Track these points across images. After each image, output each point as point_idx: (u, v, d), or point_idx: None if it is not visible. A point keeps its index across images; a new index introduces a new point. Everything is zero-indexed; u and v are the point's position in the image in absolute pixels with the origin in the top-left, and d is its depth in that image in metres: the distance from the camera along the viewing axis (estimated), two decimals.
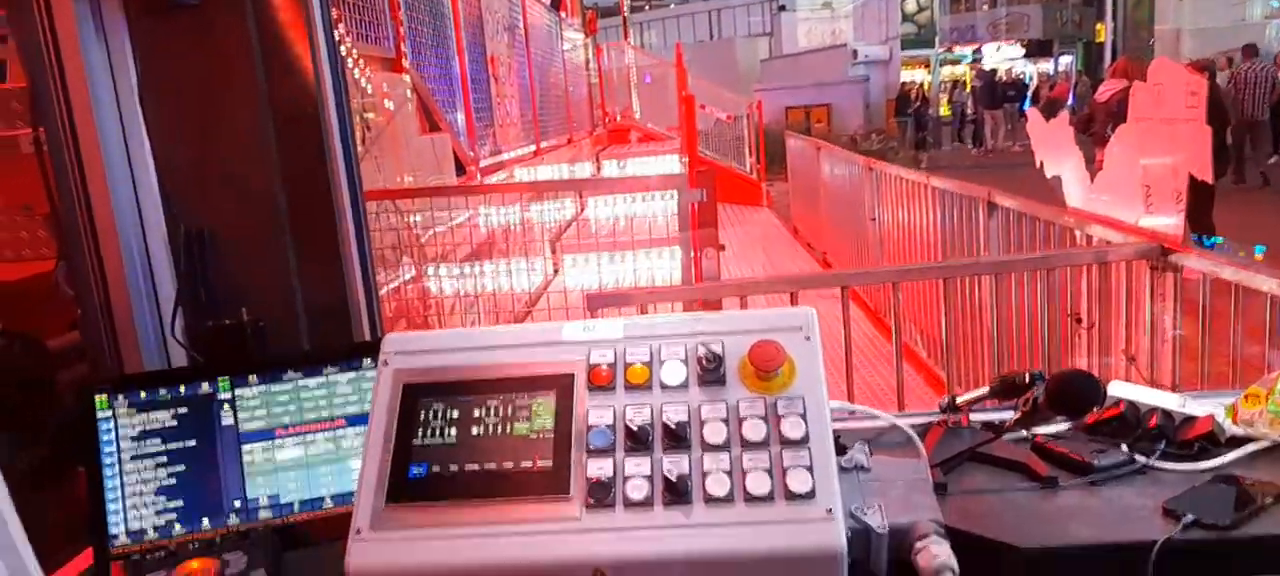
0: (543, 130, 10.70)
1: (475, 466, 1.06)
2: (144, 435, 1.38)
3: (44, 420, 2.21)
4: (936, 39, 28.81)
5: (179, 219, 1.56)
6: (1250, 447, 1.37)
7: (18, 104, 2.20)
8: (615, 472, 1.03)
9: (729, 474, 1.01)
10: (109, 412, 1.37)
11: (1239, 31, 17.97)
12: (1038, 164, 4.17)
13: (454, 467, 1.07)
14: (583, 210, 8.68)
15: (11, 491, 1.22)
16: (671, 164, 12.73)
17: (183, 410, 1.39)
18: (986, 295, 4.08)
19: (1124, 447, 1.39)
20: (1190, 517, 1.18)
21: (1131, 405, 1.46)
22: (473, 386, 1.12)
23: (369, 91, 5.10)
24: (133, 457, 1.37)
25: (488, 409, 1.10)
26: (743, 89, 18.45)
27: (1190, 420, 1.40)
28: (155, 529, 1.36)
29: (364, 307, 1.64)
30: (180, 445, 1.38)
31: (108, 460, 1.36)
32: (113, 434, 1.37)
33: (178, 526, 1.36)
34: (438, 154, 6.34)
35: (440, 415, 1.10)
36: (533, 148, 9.89)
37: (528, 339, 1.17)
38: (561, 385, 1.11)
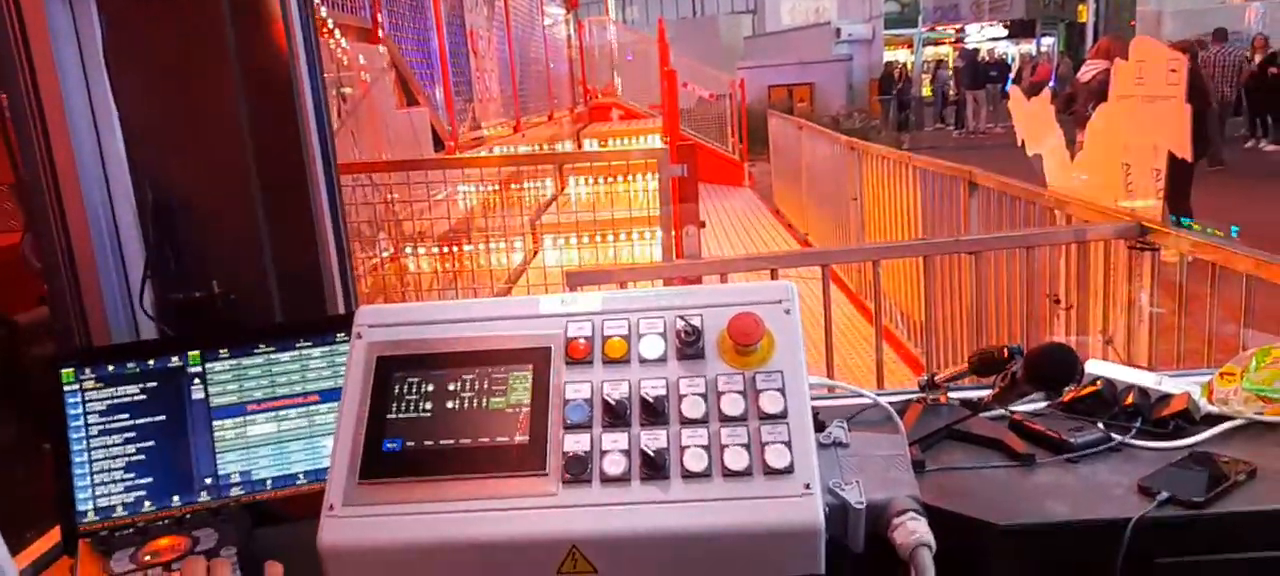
0: (523, 106, 10.62)
1: (450, 441, 1.05)
2: (112, 410, 1.35)
3: (13, 396, 2.17)
4: (920, 18, 28.81)
5: (147, 188, 1.53)
6: (1225, 425, 1.39)
7: None
8: (592, 448, 1.02)
9: (707, 449, 1.01)
10: (76, 387, 1.34)
11: (1219, 14, 18.08)
12: (1019, 143, 4.18)
13: (429, 442, 1.05)
14: (563, 188, 8.64)
15: None
16: (653, 142, 12.69)
17: (152, 384, 1.36)
18: (966, 275, 4.10)
19: (1100, 425, 1.40)
20: (1164, 495, 1.19)
21: (1108, 383, 1.47)
22: (448, 359, 1.10)
23: (345, 63, 5.03)
24: (101, 433, 1.34)
25: (463, 382, 1.09)
26: (726, 67, 18.36)
27: (1166, 398, 1.41)
28: (124, 505, 1.33)
29: (338, 280, 1.61)
30: (149, 420, 1.36)
31: (75, 436, 1.33)
32: (80, 409, 1.34)
33: (147, 503, 1.34)
34: (416, 128, 6.28)
35: (415, 389, 1.09)
36: (513, 123, 9.82)
37: (504, 312, 1.15)
38: (538, 359, 1.09)
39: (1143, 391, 1.44)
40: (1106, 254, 3.47)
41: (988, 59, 22.98)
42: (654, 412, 1.03)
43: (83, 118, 1.49)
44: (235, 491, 1.37)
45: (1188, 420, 1.39)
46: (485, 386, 1.08)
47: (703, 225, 3.96)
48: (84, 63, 1.49)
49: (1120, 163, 3.32)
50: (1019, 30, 28.67)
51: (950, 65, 25.02)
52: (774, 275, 3.50)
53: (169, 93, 1.52)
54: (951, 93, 23.04)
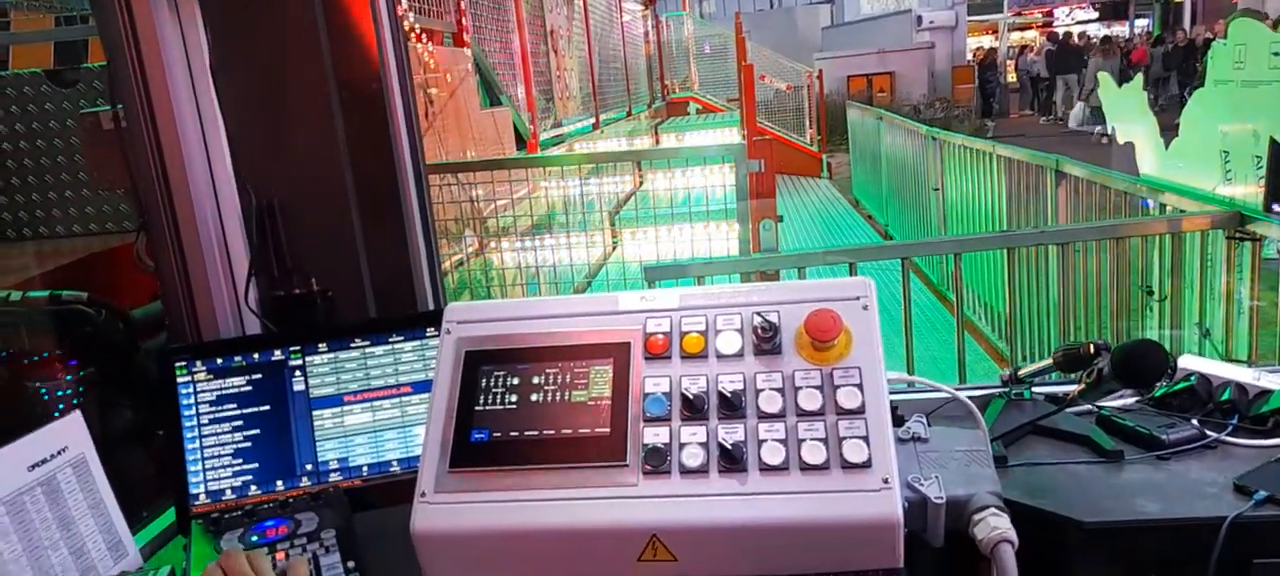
0: (602, 102, 10.70)
1: (535, 432, 1.09)
2: (221, 400, 1.44)
3: (131, 385, 2.32)
4: (1005, 2, 27.89)
5: (251, 193, 1.62)
6: None
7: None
8: (671, 440, 1.04)
9: (784, 442, 1.02)
10: (188, 379, 1.43)
11: None
12: (1109, 130, 4.04)
13: (514, 433, 1.09)
14: (641, 183, 8.67)
15: (105, 452, 1.28)
16: (731, 135, 12.63)
17: (257, 376, 1.45)
18: (1052, 266, 3.98)
19: (1194, 422, 1.36)
20: (1263, 493, 1.15)
21: (1202, 378, 1.43)
22: (532, 354, 1.14)
23: (432, 66, 5.17)
24: (211, 421, 1.43)
25: (547, 376, 1.12)
26: (803, 58, 18.16)
27: (1265, 394, 1.36)
28: (232, 490, 1.42)
29: (427, 277, 1.68)
30: (255, 410, 1.44)
31: (187, 424, 1.43)
32: (192, 399, 1.43)
33: (253, 487, 1.42)
34: (499, 128, 6.41)
35: (501, 382, 1.13)
36: (592, 120, 9.91)
37: (585, 308, 1.18)
38: (618, 354, 1.12)
39: (1239, 387, 1.39)
40: (1203, 244, 3.33)
41: (1078, 42, 22.12)
42: (731, 406, 1.05)
43: (191, 127, 1.59)
44: (334, 477, 1.45)
45: None
46: (567, 380, 1.12)
47: (780, 219, 3.94)
48: (192, 77, 1.58)
49: (1218, 150, 3.18)
50: (1110, 12, 27.51)
51: (1038, 49, 24.15)
52: (852, 269, 3.47)
53: (270, 103, 1.61)
54: (1042, 76, 22.23)
